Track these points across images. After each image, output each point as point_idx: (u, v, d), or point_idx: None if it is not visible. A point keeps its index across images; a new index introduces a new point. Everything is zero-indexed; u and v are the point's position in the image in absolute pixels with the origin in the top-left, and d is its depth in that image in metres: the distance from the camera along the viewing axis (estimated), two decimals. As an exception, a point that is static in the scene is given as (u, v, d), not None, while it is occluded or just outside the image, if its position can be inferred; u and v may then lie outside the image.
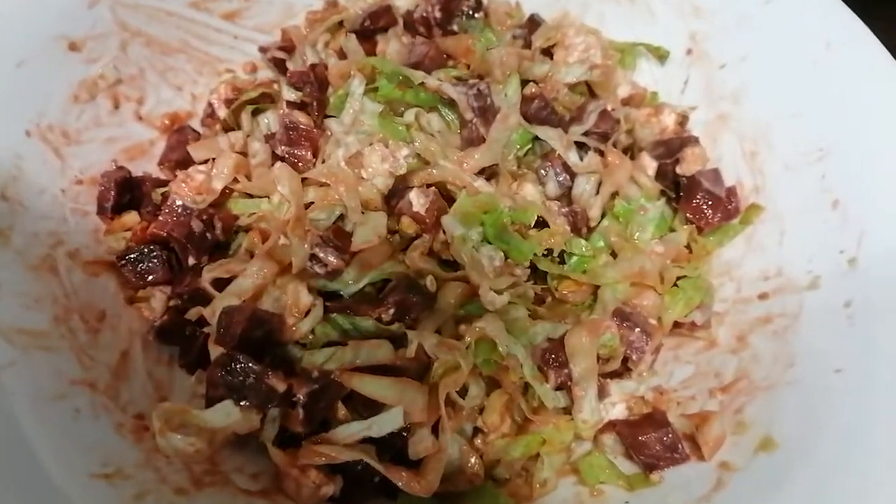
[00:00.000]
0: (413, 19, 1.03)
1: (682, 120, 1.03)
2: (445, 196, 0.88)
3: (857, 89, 0.89)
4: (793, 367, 0.79)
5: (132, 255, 0.86)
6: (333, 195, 0.85)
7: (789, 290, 0.86)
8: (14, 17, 0.83)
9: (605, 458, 0.80)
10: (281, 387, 0.74)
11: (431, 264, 0.84)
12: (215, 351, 0.80)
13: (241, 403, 0.74)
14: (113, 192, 0.88)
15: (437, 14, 1.01)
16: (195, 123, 1.02)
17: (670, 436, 0.77)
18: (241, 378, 0.73)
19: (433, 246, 0.86)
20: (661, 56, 1.08)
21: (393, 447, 0.77)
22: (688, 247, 0.93)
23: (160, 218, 0.87)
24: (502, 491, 0.77)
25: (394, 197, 0.87)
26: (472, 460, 0.78)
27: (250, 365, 0.73)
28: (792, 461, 0.70)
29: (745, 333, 0.87)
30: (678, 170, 0.96)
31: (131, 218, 0.89)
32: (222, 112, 1.00)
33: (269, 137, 0.93)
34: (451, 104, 0.93)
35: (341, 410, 0.76)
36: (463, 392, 0.79)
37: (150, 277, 0.86)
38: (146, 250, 0.86)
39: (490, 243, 0.83)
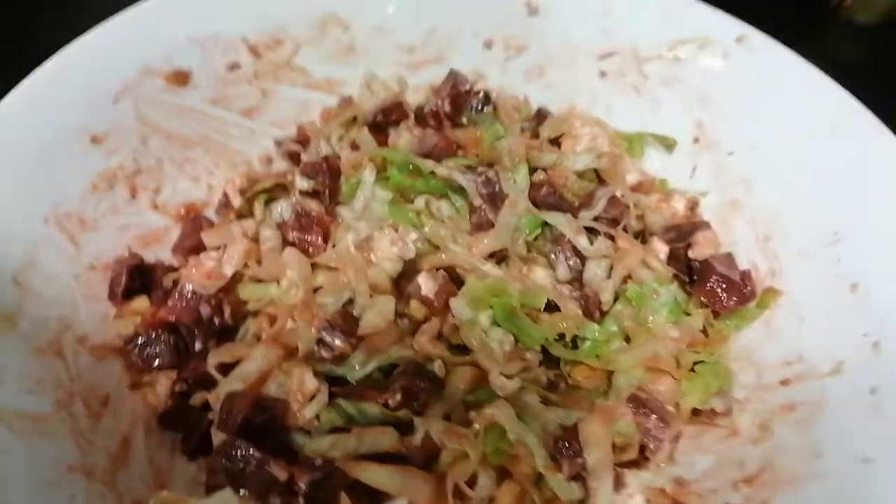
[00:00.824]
0: (423, 113, 1.06)
1: (693, 205, 1.04)
2: (455, 280, 0.87)
3: (865, 171, 0.89)
4: (819, 459, 0.75)
5: (140, 340, 0.86)
6: (342, 279, 0.85)
7: (812, 377, 0.83)
8: (40, 106, 0.86)
9: (625, 555, 0.74)
10: (282, 475, 0.71)
11: (440, 349, 0.82)
12: (218, 437, 0.78)
13: (241, 492, 0.71)
14: (124, 278, 0.89)
15: (447, 108, 1.04)
16: (210, 213, 1.04)
17: (693, 532, 0.72)
18: (241, 465, 0.71)
19: (442, 330, 0.85)
20: (668, 145, 1.09)
21: (398, 542, 0.73)
22: (704, 331, 0.91)
23: (169, 303, 0.87)
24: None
25: (403, 280, 0.87)
26: (483, 557, 0.73)
27: (251, 452, 0.71)
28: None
29: (768, 422, 0.83)
30: (690, 254, 0.95)
31: (141, 303, 0.90)
32: (237, 201, 1.02)
33: (281, 225, 0.94)
34: (461, 191, 0.94)
35: (344, 501, 0.73)
36: (472, 482, 0.75)
37: (157, 362, 0.85)
38: (154, 334, 0.86)
39: (500, 327, 0.81)
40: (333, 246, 0.90)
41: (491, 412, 0.75)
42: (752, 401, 0.87)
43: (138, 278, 0.91)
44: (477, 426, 0.75)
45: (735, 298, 0.91)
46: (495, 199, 0.91)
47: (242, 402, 0.74)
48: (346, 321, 0.81)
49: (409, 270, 0.87)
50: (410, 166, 0.96)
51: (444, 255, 0.88)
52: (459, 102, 1.05)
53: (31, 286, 0.82)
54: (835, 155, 0.93)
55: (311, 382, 0.78)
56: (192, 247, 0.97)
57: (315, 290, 0.85)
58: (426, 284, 0.83)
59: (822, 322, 0.86)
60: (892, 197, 0.86)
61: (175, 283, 0.93)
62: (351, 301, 0.85)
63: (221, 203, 1.03)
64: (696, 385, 0.84)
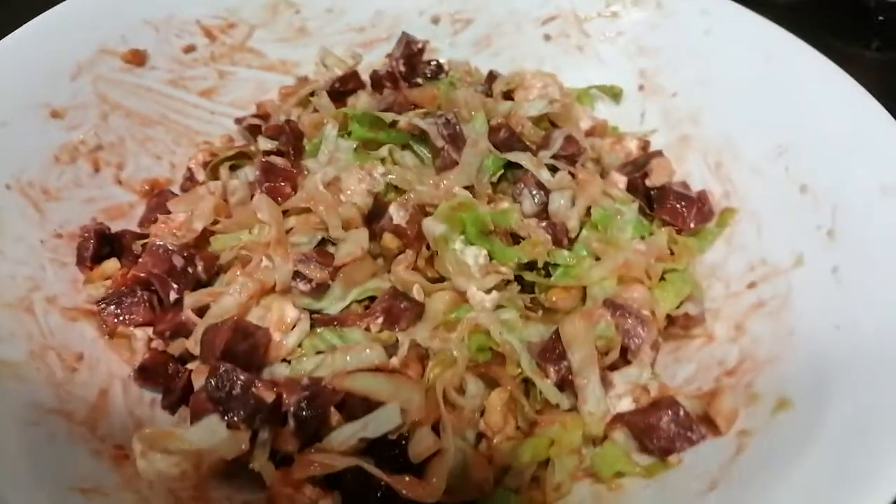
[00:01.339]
0: (379, 76, 1.09)
1: (645, 145, 1.08)
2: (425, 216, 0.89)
3: (800, 88, 0.95)
4: (793, 335, 0.78)
5: (111, 299, 0.84)
6: (314, 220, 0.85)
7: (776, 274, 0.87)
8: (-2, 79, 0.86)
9: (619, 447, 0.75)
10: (269, 396, 0.70)
11: (417, 276, 0.83)
12: (199, 381, 0.76)
13: (228, 417, 0.70)
14: (93, 242, 0.88)
15: (402, 68, 1.07)
16: (175, 189, 1.04)
17: (682, 414, 0.73)
18: (227, 388, 0.69)
19: (416, 263, 0.86)
20: (615, 94, 1.14)
21: (392, 455, 0.72)
22: (669, 251, 0.94)
23: (140, 261, 0.86)
24: (514, 497, 0.71)
25: (374, 219, 0.88)
26: (479, 465, 0.72)
27: (237, 374, 0.70)
28: (813, 413, 0.66)
29: (742, 322, 0.85)
30: (648, 182, 0.99)
31: (111, 265, 0.88)
32: (201, 175, 1.02)
33: (250, 185, 0.94)
34: (423, 140, 0.97)
35: (335, 417, 0.72)
36: (461, 394, 0.75)
37: (130, 318, 0.84)
38: (126, 291, 0.84)
39: (473, 245, 0.83)
40: (302, 193, 0.90)
41: (473, 316, 0.76)
42: (724, 308, 0.89)
43: (106, 245, 0.90)
44: (460, 329, 0.75)
45: (695, 215, 0.94)
46: (457, 139, 0.94)
47: (223, 328, 0.73)
48: (322, 256, 0.81)
49: (379, 212, 0.88)
50: (371, 120, 0.98)
51: (412, 196, 0.89)
52: (413, 62, 1.08)
53: (-5, 244, 0.80)
54: (771, 79, 0.99)
55: (291, 312, 0.78)
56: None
57: (287, 232, 0.85)
58: (397, 214, 0.84)
59: (779, 226, 0.90)
60: (825, 106, 0.92)
61: (144, 246, 0.92)
62: (324, 241, 0.86)
63: (186, 177, 1.03)
64: (667, 291, 0.86)
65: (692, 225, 0.94)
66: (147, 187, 1.01)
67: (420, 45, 1.08)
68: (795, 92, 0.96)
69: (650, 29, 1.13)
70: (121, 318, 0.84)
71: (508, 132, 0.98)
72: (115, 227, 0.95)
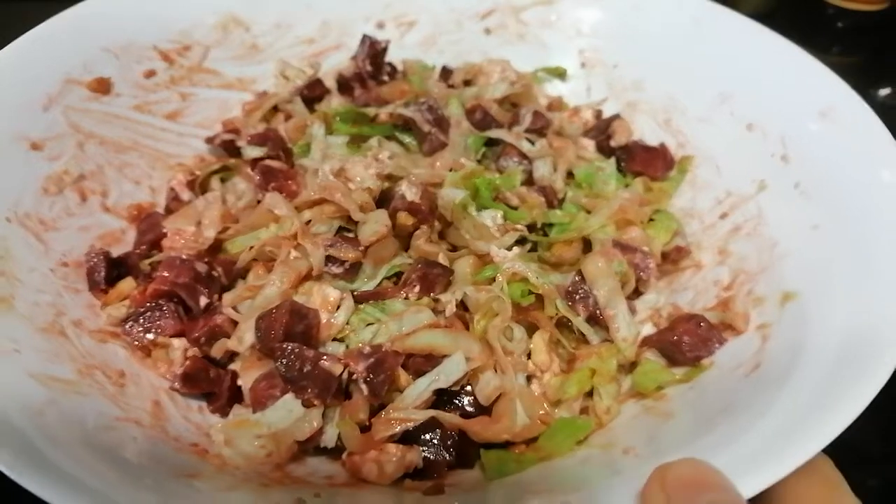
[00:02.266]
0: (347, 79, 1.14)
1: (598, 113, 1.18)
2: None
3: (729, 43, 1.08)
4: (777, 245, 0.88)
5: (138, 315, 0.83)
6: (329, 210, 0.88)
7: (744, 201, 0.97)
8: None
9: (655, 363, 0.82)
10: (337, 369, 0.72)
11: (439, 246, 0.88)
12: (252, 376, 0.78)
13: (302, 394, 0.71)
14: (103, 265, 0.87)
15: (368, 67, 1.12)
16: (160, 211, 1.03)
17: (704, 323, 0.82)
18: (297, 367, 0.71)
19: (431, 237, 0.90)
20: (560, 74, 1.24)
21: (456, 405, 0.76)
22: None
23: (158, 275, 0.86)
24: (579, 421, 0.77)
25: (382, 204, 0.91)
26: (537, 401, 0.78)
27: (304, 352, 0.72)
28: (819, 296, 0.76)
29: (724, 246, 0.96)
30: (612, 143, 1.09)
31: (127, 284, 0.87)
32: (186, 195, 1.02)
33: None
34: (406, 129, 1.02)
35: (402, 378, 0.75)
36: (509, 340, 0.80)
37: (159, 331, 0.83)
38: (151, 306, 0.84)
39: (487, 209, 0.89)
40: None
41: (509, 266, 0.81)
42: (704, 239, 0.99)
43: (114, 269, 0.89)
44: (500, 279, 0.81)
45: (662, 163, 1.05)
46: (442, 122, 1.00)
47: (280, 313, 0.74)
48: (346, 240, 0.85)
49: (384, 197, 0.92)
50: (353, 117, 1.02)
51: (412, 178, 0.94)
52: (378, 62, 1.13)
53: (13, 274, 0.78)
54: (701, 40, 1.12)
55: (333, 292, 0.80)
56: (154, 240, 0.96)
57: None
58: (410, 192, 0.88)
59: (735, 162, 1.02)
60: (754, 55, 1.05)
61: (153, 266, 0.91)
62: (341, 229, 0.89)
63: (171, 198, 1.03)
64: (658, 229, 0.95)
65: (661, 172, 1.05)
66: (134, 212, 1.00)
67: (383, 45, 1.14)
68: (725, 47, 1.09)
69: (583, 11, 1.24)
70: (151, 332, 0.83)
71: (483, 113, 1.05)
72: (113, 252, 0.94)
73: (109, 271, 0.87)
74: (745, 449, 0.59)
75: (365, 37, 1.14)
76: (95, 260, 0.87)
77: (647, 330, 0.87)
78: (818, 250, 0.82)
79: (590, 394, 0.83)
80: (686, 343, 0.81)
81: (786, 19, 1.05)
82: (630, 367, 0.86)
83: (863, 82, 0.90)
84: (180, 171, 1.05)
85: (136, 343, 0.82)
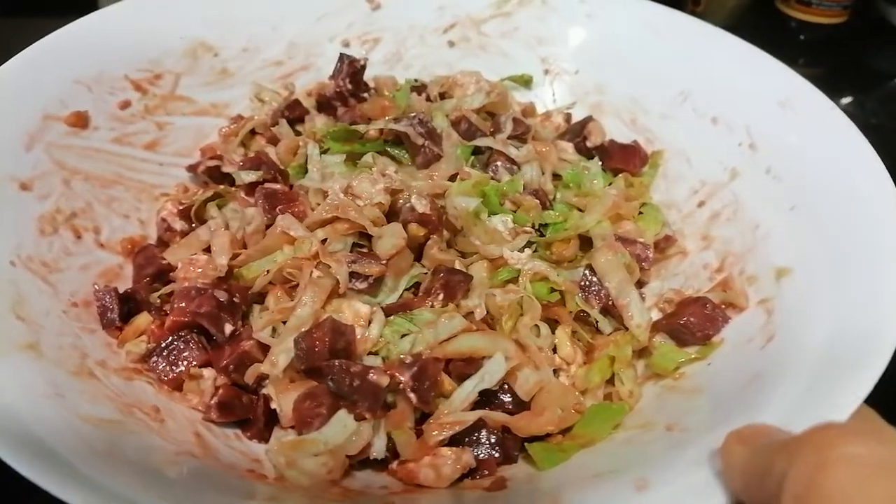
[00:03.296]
0: (328, 98, 1.15)
1: (568, 116, 1.24)
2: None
3: (681, 44, 1.17)
4: (759, 227, 0.96)
5: (161, 349, 0.82)
6: (341, 228, 0.89)
7: (719, 189, 1.05)
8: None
9: (669, 345, 0.88)
10: (384, 380, 0.74)
11: (453, 254, 0.91)
12: (288, 398, 0.78)
13: (354, 409, 0.73)
14: (115, 303, 0.85)
15: (349, 86, 1.14)
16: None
17: (709, 304, 0.88)
18: (348, 383, 0.73)
19: (441, 247, 0.93)
20: (526, 82, 1.30)
21: (501, 405, 0.79)
22: (627, 194, 1.10)
23: (175, 307, 0.84)
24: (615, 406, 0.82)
25: (390, 217, 0.93)
26: (569, 392, 0.82)
27: (350, 368, 0.73)
28: (811, 269, 0.83)
29: (707, 231, 1.03)
30: (588, 144, 1.15)
31: (143, 319, 0.86)
32: (178, 225, 1.01)
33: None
34: (397, 143, 1.04)
35: (446, 383, 0.77)
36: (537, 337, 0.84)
37: (185, 365, 0.82)
38: (174, 338, 0.83)
39: (496, 214, 0.92)
40: (312, 210, 0.94)
41: (531, 265, 0.85)
42: (685, 227, 1.07)
43: (125, 305, 0.87)
44: (522, 281, 0.84)
45: (639, 159, 1.11)
46: (433, 135, 1.03)
47: (321, 331, 0.75)
48: (367, 255, 0.86)
49: (395, 208, 0.94)
50: (344, 135, 1.03)
51: (415, 192, 0.96)
52: (357, 79, 1.15)
53: (32, 319, 0.76)
54: (655, 41, 1.20)
55: (363, 308, 0.82)
56: (154, 273, 0.94)
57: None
58: (419, 203, 0.91)
59: (704, 154, 1.10)
60: (709, 53, 1.14)
61: (163, 299, 0.90)
62: (356, 245, 0.90)
63: (163, 229, 1.01)
64: (648, 221, 1.02)
65: (638, 168, 1.11)
66: (128, 246, 0.98)
67: (361, 62, 1.16)
68: (679, 48, 1.17)
69: (541, 21, 1.30)
70: (178, 365, 0.82)
71: (468, 123, 1.09)
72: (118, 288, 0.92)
73: (122, 308, 0.85)
74: (786, 403, 0.65)
75: (342, 55, 1.16)
76: (106, 298, 0.85)
77: (654, 316, 0.93)
78: (801, 227, 0.90)
79: (610, 381, 0.87)
80: (694, 324, 0.87)
81: (748, 32, 1.13)
82: (641, 352, 0.91)
83: (826, 91, 0.99)
84: (167, 202, 1.04)
85: (164, 378, 0.81)
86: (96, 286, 0.88)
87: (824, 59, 1.79)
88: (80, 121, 1.01)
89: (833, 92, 1.00)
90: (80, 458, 0.58)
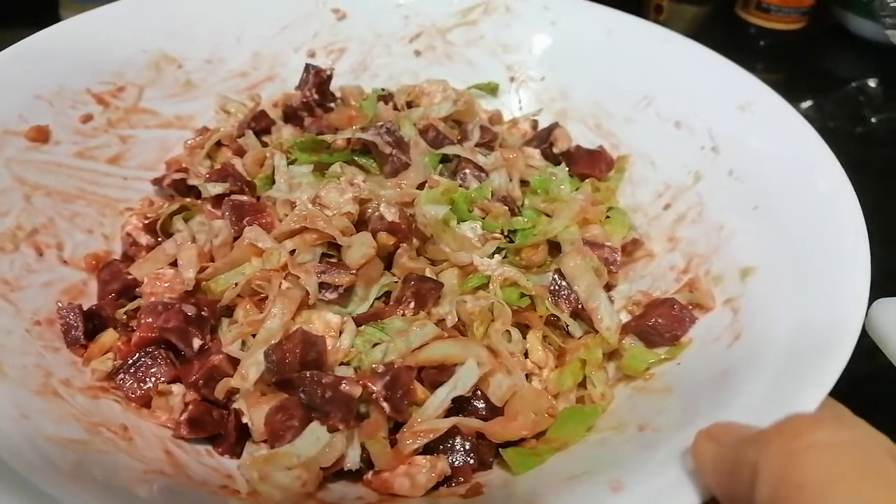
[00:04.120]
0: (294, 109, 1.14)
1: (535, 123, 1.25)
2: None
3: (642, 49, 1.19)
4: (723, 229, 0.98)
5: (129, 366, 0.81)
6: (309, 238, 0.88)
7: (683, 192, 1.07)
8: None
9: (638, 347, 0.89)
10: (357, 390, 0.74)
11: (423, 262, 0.91)
12: (259, 412, 0.77)
13: (327, 421, 0.72)
14: (80, 320, 0.83)
15: (316, 96, 1.14)
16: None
17: (676, 305, 0.89)
18: (319, 394, 0.72)
19: (411, 254, 0.93)
20: (492, 89, 1.31)
21: (474, 411, 0.79)
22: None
23: (142, 323, 0.83)
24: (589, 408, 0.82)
25: (358, 226, 0.93)
26: (542, 396, 0.82)
27: (322, 379, 0.73)
28: (775, 267, 0.85)
29: (672, 233, 1.04)
30: (555, 150, 1.16)
31: (109, 337, 0.84)
32: (144, 239, 1.00)
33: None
34: (364, 153, 1.04)
35: (419, 391, 0.77)
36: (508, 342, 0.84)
37: (153, 381, 0.81)
38: (141, 355, 0.81)
39: (465, 221, 0.92)
40: (280, 221, 0.93)
41: (500, 272, 0.85)
42: (651, 230, 1.08)
43: (90, 322, 0.85)
44: (492, 286, 0.85)
45: (604, 164, 1.13)
46: (401, 143, 1.03)
47: (291, 343, 0.75)
48: (336, 265, 0.86)
49: (363, 218, 0.94)
50: (311, 146, 1.03)
51: (383, 201, 0.96)
52: (324, 89, 1.15)
53: (-6, 340, 0.74)
54: (616, 47, 1.22)
55: (334, 318, 0.82)
56: (120, 289, 0.93)
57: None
58: (388, 212, 0.91)
59: (669, 157, 1.11)
60: (669, 58, 1.16)
61: (129, 315, 0.88)
62: (325, 255, 0.90)
63: (129, 244, 0.99)
64: (615, 224, 1.03)
65: (604, 173, 1.13)
66: (92, 262, 0.96)
67: (328, 72, 1.15)
68: (640, 54, 1.19)
69: (505, 29, 1.31)
70: (146, 382, 0.80)
71: (435, 132, 1.09)
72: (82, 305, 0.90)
73: (87, 325, 0.84)
74: (754, 399, 0.66)
75: (308, 66, 1.16)
76: (70, 316, 0.84)
77: (623, 318, 0.94)
78: (763, 227, 0.91)
79: (582, 384, 0.88)
80: (662, 325, 0.88)
81: (710, 39, 1.16)
82: (611, 354, 0.92)
83: (785, 95, 1.01)
84: (132, 216, 1.02)
85: (132, 395, 0.79)
86: (60, 303, 0.87)
87: (783, 65, 1.83)
88: (41, 135, 0.99)
89: (792, 96, 1.03)
90: (44, 480, 0.57)
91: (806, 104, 1.70)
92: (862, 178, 0.89)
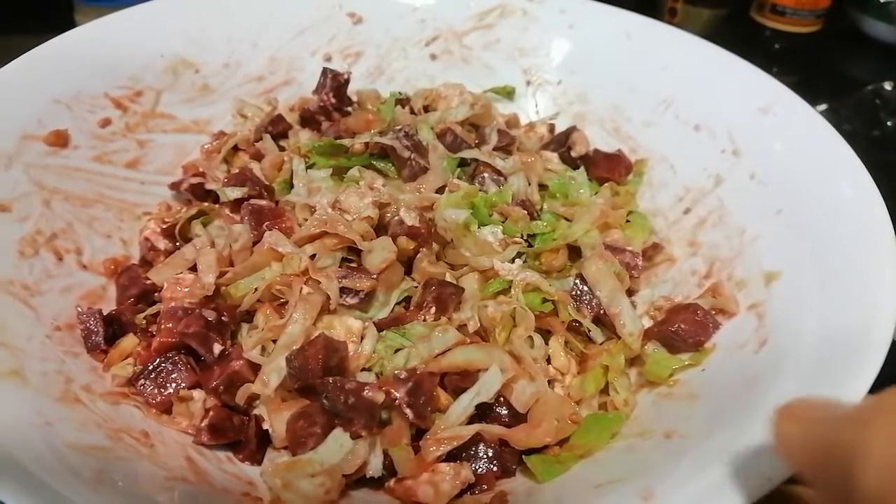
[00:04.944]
0: (312, 113, 1.14)
1: (552, 127, 1.24)
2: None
3: (660, 52, 1.18)
4: (745, 233, 0.97)
5: (149, 372, 0.80)
6: (329, 243, 0.88)
7: (703, 195, 1.06)
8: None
9: (661, 352, 0.88)
10: (380, 396, 0.73)
11: (443, 267, 0.90)
12: (280, 418, 0.77)
13: (350, 427, 0.71)
14: (100, 325, 0.83)
15: (333, 100, 1.13)
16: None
17: (700, 311, 0.88)
18: (342, 400, 0.71)
19: (430, 259, 0.92)
20: (508, 93, 1.30)
21: (497, 418, 0.78)
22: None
23: (162, 328, 0.83)
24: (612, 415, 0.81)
25: (378, 230, 0.92)
26: (565, 403, 0.81)
27: (345, 385, 0.72)
28: (801, 271, 0.84)
29: (693, 238, 1.03)
30: (573, 154, 1.15)
31: (129, 342, 0.84)
32: (162, 244, 0.99)
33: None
34: (382, 157, 1.04)
35: (442, 397, 0.77)
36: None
37: (174, 387, 0.80)
38: (162, 360, 0.81)
39: (485, 226, 0.92)
40: (299, 226, 0.93)
41: (522, 276, 0.85)
42: (672, 234, 1.07)
43: (110, 327, 0.85)
44: (514, 292, 0.84)
45: (624, 167, 1.12)
46: (419, 148, 1.02)
47: (313, 348, 0.74)
48: (357, 269, 0.85)
49: (384, 222, 0.93)
50: (329, 150, 1.03)
51: (402, 205, 0.96)
52: (341, 94, 1.14)
53: (15, 345, 0.74)
54: (635, 50, 1.21)
55: (355, 323, 0.81)
56: (138, 294, 0.92)
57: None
58: (408, 217, 0.90)
59: (689, 160, 1.10)
60: (688, 61, 1.15)
61: (149, 320, 0.88)
62: (345, 260, 0.89)
63: (148, 248, 0.99)
64: (636, 229, 1.02)
65: (623, 177, 1.12)
66: (111, 267, 0.96)
67: (345, 76, 1.15)
68: (659, 57, 1.18)
69: (523, 32, 1.30)
70: (167, 388, 0.80)
71: (453, 136, 1.09)
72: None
73: (107, 330, 0.83)
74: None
75: (326, 70, 1.15)
76: (90, 321, 0.83)
77: (646, 324, 0.93)
78: (788, 231, 0.90)
79: (604, 390, 0.87)
80: (685, 330, 0.87)
81: (724, 42, 1.15)
82: (633, 360, 0.91)
83: (801, 98, 1.00)
84: (150, 220, 1.02)
85: (153, 401, 0.79)
86: (79, 308, 0.86)
87: (798, 67, 1.82)
88: (60, 140, 0.99)
89: (807, 99, 1.02)
90: (67, 487, 0.56)
91: (821, 107, 1.69)
92: (878, 181, 0.87)
